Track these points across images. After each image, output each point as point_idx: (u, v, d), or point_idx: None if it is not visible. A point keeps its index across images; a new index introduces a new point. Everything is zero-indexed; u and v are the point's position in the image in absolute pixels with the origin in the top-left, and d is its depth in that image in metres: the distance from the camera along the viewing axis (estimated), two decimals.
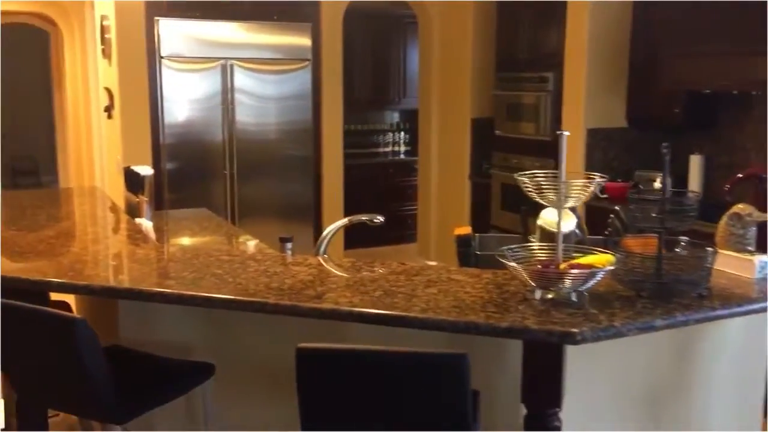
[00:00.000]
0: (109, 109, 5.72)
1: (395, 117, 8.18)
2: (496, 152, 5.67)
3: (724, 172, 4.52)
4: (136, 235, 2.83)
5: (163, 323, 2.45)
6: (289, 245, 2.59)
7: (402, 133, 8.14)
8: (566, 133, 2.20)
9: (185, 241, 3.31)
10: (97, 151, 6.78)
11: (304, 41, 5.81)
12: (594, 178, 2.06)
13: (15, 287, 2.15)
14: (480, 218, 5.94)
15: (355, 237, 6.67)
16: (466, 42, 5.91)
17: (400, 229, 7.64)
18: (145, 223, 3.16)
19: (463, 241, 2.59)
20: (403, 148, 8.12)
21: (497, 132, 5.65)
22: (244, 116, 5.69)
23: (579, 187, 2.08)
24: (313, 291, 2.09)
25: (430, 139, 6.42)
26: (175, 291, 2.08)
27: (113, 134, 5.73)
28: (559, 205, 2.03)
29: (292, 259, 2.47)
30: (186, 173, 5.61)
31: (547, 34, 5.09)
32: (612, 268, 2.00)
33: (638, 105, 4.77)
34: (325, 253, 2.62)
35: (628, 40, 4.75)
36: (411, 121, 8.14)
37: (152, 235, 3.15)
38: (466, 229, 2.62)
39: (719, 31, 4.12)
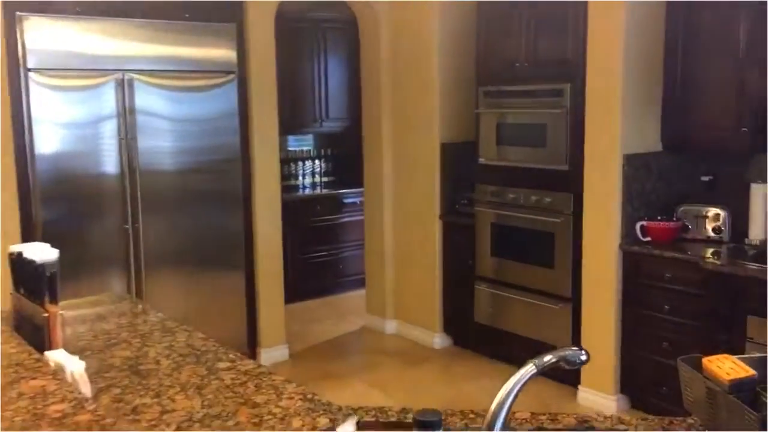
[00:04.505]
0: None
1: (309, 142, 6.84)
2: (482, 185, 4.53)
3: None
4: (75, 413, 1.37)
5: None
6: None
7: (321, 161, 6.82)
8: None
9: (152, 402, 1.84)
10: None
11: (227, 48, 4.40)
12: None
13: None
14: (459, 267, 4.77)
15: (289, 288, 5.35)
16: (430, 48, 4.74)
17: (336, 275, 6.33)
18: (69, 367, 1.69)
19: (746, 392, 1.38)
20: (324, 179, 6.80)
21: (482, 160, 4.51)
22: (149, 143, 4.18)
23: None
24: None
25: (381, 170, 5.18)
26: None
27: None
28: None
29: None
30: (69, 223, 4.02)
31: (555, 35, 4.03)
32: None
33: (679, 124, 3.81)
34: (505, 429, 1.32)
35: (662, 38, 3.80)
36: (333, 147, 6.86)
37: (88, 389, 1.69)
38: (741, 368, 1.41)
39: None
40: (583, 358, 1.37)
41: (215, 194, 4.48)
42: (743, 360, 1.47)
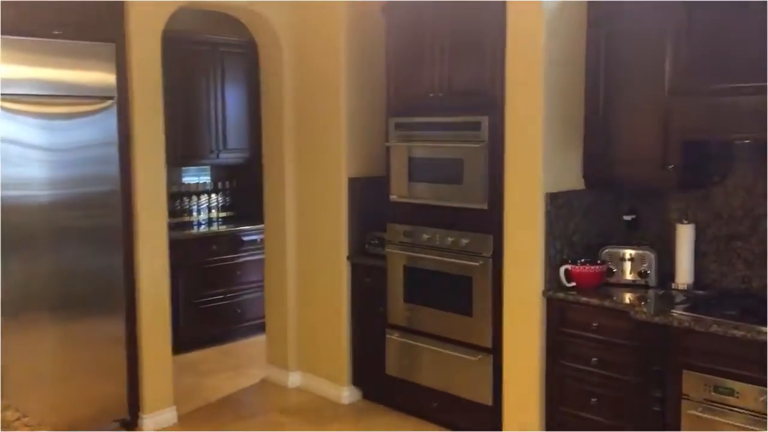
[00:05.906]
0: None
1: (206, 175, 6.30)
2: (393, 224, 4.15)
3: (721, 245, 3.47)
4: None
5: None
6: None
7: (218, 195, 6.29)
8: None
9: None
10: None
11: (104, 71, 3.87)
12: None
13: None
14: (369, 314, 4.36)
15: (181, 337, 4.87)
16: (337, 74, 4.35)
17: (235, 320, 5.80)
18: None
19: None
20: (222, 215, 6.27)
21: (393, 197, 4.14)
22: (9, 174, 3.60)
23: None
24: None
25: (284, 205, 4.72)
26: None
27: None
28: None
29: None
30: None
31: (472, 64, 3.73)
32: None
33: (601, 159, 3.56)
34: None
35: (584, 69, 3.57)
36: (232, 180, 6.35)
37: None
38: None
39: (735, 62, 3.05)
40: None
41: (90, 230, 3.91)
42: None
